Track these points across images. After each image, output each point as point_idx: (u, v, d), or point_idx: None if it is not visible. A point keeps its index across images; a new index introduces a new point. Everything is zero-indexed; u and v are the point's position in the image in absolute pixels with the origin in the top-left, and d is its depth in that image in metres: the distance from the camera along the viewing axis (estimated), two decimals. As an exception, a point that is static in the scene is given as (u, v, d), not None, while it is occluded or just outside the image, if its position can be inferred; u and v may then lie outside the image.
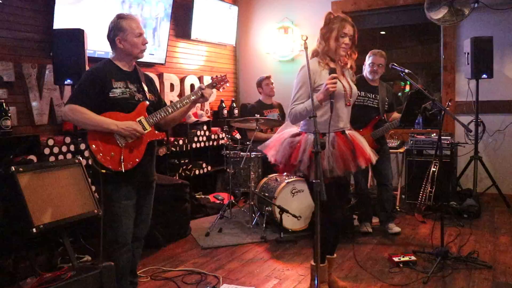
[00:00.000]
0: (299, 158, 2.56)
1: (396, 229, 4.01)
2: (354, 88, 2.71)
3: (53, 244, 3.23)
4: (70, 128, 3.87)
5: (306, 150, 2.55)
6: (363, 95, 3.89)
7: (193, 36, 5.51)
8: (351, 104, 2.68)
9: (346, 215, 2.97)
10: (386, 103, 3.99)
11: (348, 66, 2.71)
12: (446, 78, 5.32)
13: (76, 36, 3.50)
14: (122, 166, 2.39)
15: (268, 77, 5.07)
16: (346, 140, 2.59)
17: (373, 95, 3.92)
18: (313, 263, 2.78)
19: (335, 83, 2.44)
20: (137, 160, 2.46)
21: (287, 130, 2.77)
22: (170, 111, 2.56)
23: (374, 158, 2.68)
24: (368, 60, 3.97)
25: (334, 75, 2.45)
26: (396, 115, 4.09)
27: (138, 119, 2.47)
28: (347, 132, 2.66)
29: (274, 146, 2.71)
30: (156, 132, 2.57)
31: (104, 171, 2.36)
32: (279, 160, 2.65)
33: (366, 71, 3.97)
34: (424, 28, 5.65)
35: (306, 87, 2.54)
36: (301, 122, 2.69)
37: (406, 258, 3.29)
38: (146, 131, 2.48)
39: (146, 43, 2.55)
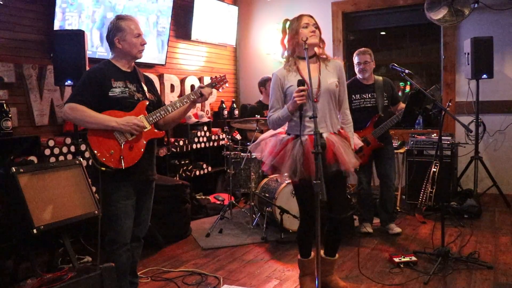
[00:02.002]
0: (270, 158, 2.67)
1: (397, 229, 4.01)
2: (328, 82, 2.59)
3: (53, 244, 3.23)
4: (70, 129, 3.87)
5: (273, 151, 2.66)
6: (359, 97, 3.91)
7: (193, 37, 5.51)
8: (318, 100, 2.56)
9: (335, 224, 2.78)
10: (385, 98, 3.98)
11: (324, 55, 2.68)
12: (446, 78, 5.32)
13: (76, 37, 3.51)
14: (122, 163, 2.39)
15: None
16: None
17: (369, 95, 3.92)
18: (299, 257, 2.88)
19: (303, 96, 2.43)
20: (137, 158, 2.46)
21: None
22: (170, 110, 2.56)
23: (353, 162, 2.58)
24: (354, 61, 4.00)
25: (302, 87, 2.44)
26: (402, 105, 4.05)
27: (138, 117, 2.47)
28: (325, 135, 2.57)
29: (260, 146, 2.84)
30: (156, 130, 2.57)
31: (103, 168, 2.37)
32: (263, 159, 2.75)
33: (356, 72, 4.00)
34: (424, 28, 5.65)
35: (276, 95, 2.66)
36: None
37: (407, 259, 3.29)
38: (146, 129, 2.49)
39: (145, 43, 2.56)
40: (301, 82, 2.46)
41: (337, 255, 2.91)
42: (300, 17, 2.65)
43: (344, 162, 2.55)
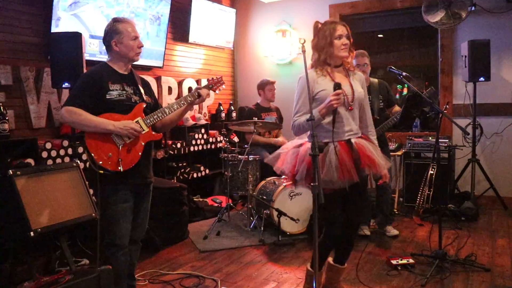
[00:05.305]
0: (296, 168, 2.52)
1: (394, 232, 4.02)
2: (359, 90, 2.59)
3: (51, 247, 3.22)
4: (68, 132, 3.87)
5: (304, 160, 2.49)
6: None
7: (191, 39, 5.51)
8: (353, 108, 2.55)
9: (350, 230, 2.72)
10: (381, 100, 3.98)
11: (349, 65, 2.63)
12: (443, 81, 5.34)
13: (74, 39, 3.50)
14: (121, 166, 2.39)
15: (272, 83, 5.08)
16: (349, 150, 2.50)
17: None
18: (308, 268, 2.77)
19: (339, 99, 2.38)
20: (135, 160, 2.46)
21: (294, 140, 2.71)
22: (167, 112, 2.57)
23: (385, 165, 2.55)
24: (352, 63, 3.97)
25: (339, 91, 2.38)
26: (397, 108, 4.05)
27: (135, 120, 2.47)
28: (353, 140, 2.53)
29: (280, 158, 2.66)
30: (153, 133, 2.57)
31: (101, 171, 2.36)
32: (285, 171, 2.60)
33: None
34: (421, 31, 5.67)
35: (305, 98, 2.50)
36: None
37: (404, 261, 3.29)
38: (143, 132, 2.49)
39: (142, 46, 2.56)
40: (337, 86, 2.40)
41: (345, 264, 2.81)
42: (334, 25, 2.54)
43: (378, 165, 2.51)
